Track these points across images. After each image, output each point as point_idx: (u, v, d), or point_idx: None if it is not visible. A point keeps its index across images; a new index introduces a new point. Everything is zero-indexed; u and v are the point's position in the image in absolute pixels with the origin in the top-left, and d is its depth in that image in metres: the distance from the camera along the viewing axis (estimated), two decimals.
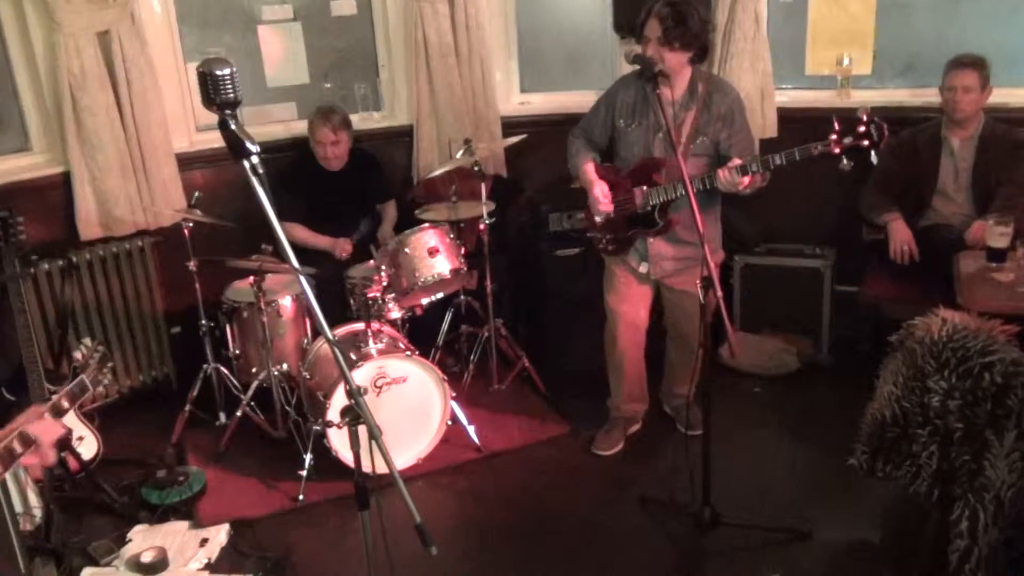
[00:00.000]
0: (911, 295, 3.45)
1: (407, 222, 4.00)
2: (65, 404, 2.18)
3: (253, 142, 1.70)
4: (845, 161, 2.76)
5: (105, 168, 3.79)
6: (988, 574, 2.36)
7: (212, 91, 1.67)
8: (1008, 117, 3.70)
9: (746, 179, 2.90)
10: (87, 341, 2.47)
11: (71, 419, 3.21)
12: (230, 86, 1.67)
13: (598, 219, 3.34)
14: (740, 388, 3.97)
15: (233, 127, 1.69)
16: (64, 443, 2.66)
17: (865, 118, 2.73)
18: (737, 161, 2.92)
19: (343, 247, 4.01)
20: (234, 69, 1.68)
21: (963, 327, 2.52)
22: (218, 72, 1.66)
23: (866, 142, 2.73)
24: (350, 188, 4.14)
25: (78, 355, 2.42)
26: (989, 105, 3.61)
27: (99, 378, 2.39)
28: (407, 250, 3.59)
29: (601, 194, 3.22)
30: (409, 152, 4.57)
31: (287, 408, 3.60)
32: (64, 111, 3.69)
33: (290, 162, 4.16)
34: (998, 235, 3.14)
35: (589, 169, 3.27)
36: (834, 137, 2.76)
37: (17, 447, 1.82)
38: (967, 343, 2.47)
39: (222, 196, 3.97)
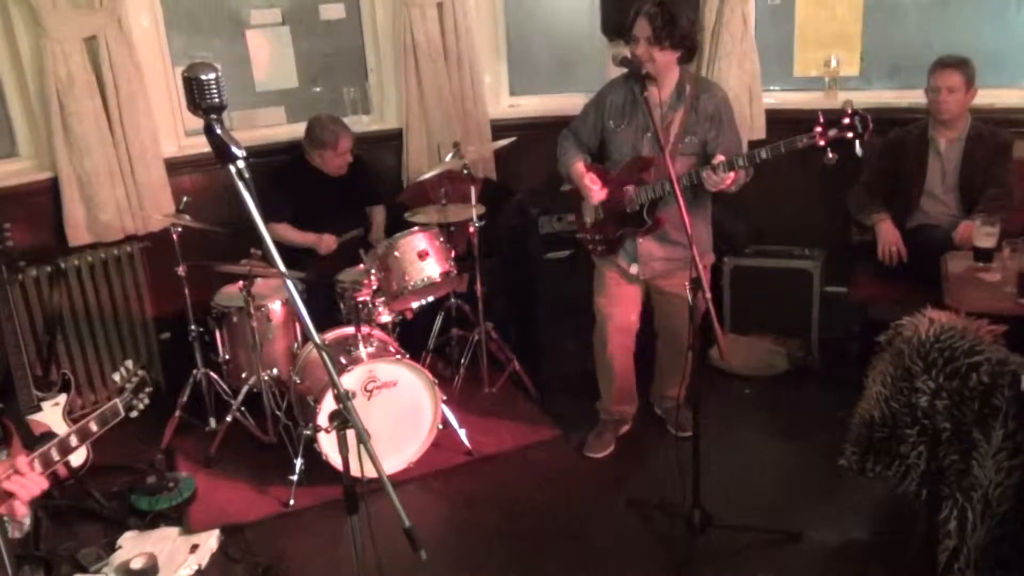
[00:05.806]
0: (899, 296, 3.46)
1: (397, 226, 3.99)
2: (94, 428, 2.09)
3: (239, 146, 1.70)
4: (830, 154, 2.77)
5: (93, 173, 3.78)
6: (976, 573, 2.37)
7: (197, 96, 1.66)
8: (994, 118, 3.72)
9: (731, 175, 2.92)
10: (128, 363, 2.32)
11: (61, 425, 3.19)
12: (215, 90, 1.66)
13: (588, 219, 3.34)
14: (730, 389, 3.98)
15: (219, 132, 1.69)
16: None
17: (849, 111, 2.75)
18: (721, 157, 2.93)
19: (327, 243, 4.04)
20: (219, 74, 1.67)
21: (950, 327, 2.54)
22: (203, 77, 1.65)
23: (850, 134, 2.75)
24: (346, 192, 4.15)
25: (116, 377, 2.27)
26: (975, 106, 3.63)
27: (134, 403, 2.26)
28: (396, 253, 3.58)
29: (591, 182, 3.21)
30: (398, 156, 4.58)
31: (277, 413, 3.59)
32: (51, 116, 3.67)
33: (285, 163, 4.15)
34: (985, 235, 3.16)
35: (579, 166, 3.28)
36: (819, 129, 2.77)
37: None
38: (954, 343, 2.48)
39: (211, 201, 3.95)
